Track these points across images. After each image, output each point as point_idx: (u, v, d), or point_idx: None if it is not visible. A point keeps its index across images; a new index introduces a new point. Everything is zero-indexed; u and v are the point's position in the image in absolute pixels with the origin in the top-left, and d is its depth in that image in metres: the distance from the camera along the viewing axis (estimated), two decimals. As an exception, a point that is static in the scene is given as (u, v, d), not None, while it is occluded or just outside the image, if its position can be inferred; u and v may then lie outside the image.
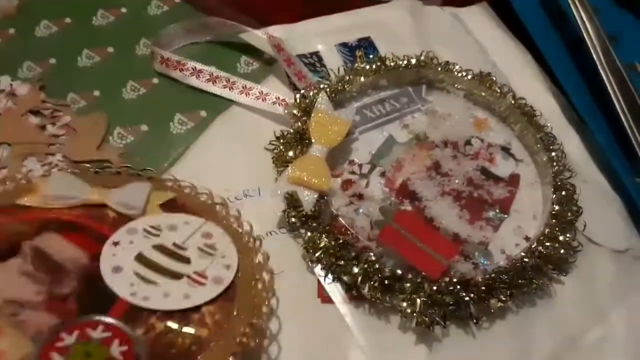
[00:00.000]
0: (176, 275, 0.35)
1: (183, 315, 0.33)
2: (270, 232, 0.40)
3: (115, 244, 0.35)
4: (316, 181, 0.39)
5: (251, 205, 0.41)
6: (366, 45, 0.51)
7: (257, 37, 0.48)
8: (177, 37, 0.49)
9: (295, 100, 0.44)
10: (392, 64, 0.47)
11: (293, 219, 0.39)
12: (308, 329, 0.37)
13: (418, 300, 0.36)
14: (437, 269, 0.37)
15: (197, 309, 0.34)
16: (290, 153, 0.41)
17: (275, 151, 0.42)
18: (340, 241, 0.38)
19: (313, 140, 0.41)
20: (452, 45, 0.52)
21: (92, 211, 0.37)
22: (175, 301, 0.34)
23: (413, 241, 0.38)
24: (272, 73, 0.49)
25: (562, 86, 0.50)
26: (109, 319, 0.32)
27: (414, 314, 0.36)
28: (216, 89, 0.46)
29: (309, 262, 0.39)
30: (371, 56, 0.48)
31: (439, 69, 0.47)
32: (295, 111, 0.44)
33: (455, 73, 0.47)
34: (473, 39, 0.54)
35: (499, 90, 0.46)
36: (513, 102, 0.46)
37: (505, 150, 0.45)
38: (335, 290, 0.38)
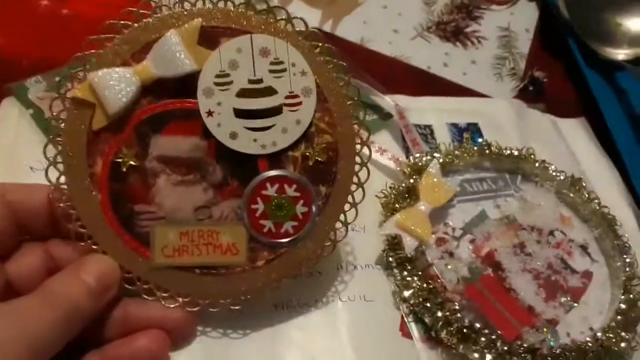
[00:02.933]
0: (277, 110, 0.36)
1: (304, 138, 0.37)
2: (367, 265, 0.46)
3: (209, 113, 0.35)
4: (420, 231, 0.45)
5: (355, 238, 0.47)
6: (474, 130, 0.58)
7: (384, 100, 0.56)
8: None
9: (409, 160, 0.51)
10: (496, 150, 0.53)
11: (390, 259, 0.45)
12: (384, 358, 0.42)
13: (488, 355, 0.41)
14: (512, 332, 0.41)
15: (310, 125, 0.37)
16: (397, 204, 0.48)
17: (385, 199, 0.49)
18: (431, 286, 0.43)
19: (421, 197, 0.47)
20: (547, 147, 0.57)
21: (154, 94, 0.35)
22: (294, 130, 0.36)
23: (493, 303, 0.43)
24: (385, 128, 0.55)
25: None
26: (302, 178, 0.36)
27: (482, 366, 0.41)
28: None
29: (397, 299, 0.44)
30: (479, 140, 0.55)
31: (537, 164, 0.53)
32: (407, 169, 0.50)
33: (550, 171, 0.53)
34: (567, 147, 0.60)
35: (586, 195, 0.52)
36: (597, 208, 0.51)
37: (584, 248, 0.50)
38: (414, 329, 0.43)
